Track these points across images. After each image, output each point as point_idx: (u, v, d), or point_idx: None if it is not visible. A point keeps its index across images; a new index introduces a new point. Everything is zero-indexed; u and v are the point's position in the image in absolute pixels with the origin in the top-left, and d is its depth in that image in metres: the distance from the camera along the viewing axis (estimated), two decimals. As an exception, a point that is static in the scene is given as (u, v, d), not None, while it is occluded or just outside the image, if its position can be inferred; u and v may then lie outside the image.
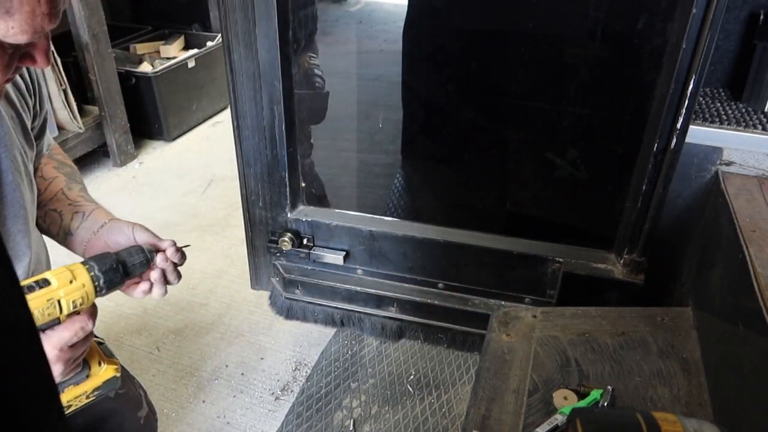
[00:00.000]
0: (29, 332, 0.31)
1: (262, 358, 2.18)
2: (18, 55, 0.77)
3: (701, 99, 1.71)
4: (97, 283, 0.92)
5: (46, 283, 0.87)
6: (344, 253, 1.86)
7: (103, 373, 1.00)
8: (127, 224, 1.08)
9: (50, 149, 1.19)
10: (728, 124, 1.55)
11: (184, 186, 3.27)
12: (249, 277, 2.14)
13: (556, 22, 1.70)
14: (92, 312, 0.92)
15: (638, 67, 1.62)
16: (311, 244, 1.89)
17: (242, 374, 2.12)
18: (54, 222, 1.11)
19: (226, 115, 4.01)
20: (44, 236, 1.14)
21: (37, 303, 0.85)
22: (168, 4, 4.12)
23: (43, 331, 0.86)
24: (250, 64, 1.64)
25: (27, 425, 0.30)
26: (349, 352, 2.06)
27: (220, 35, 3.85)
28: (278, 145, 1.74)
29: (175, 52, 3.78)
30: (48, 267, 1.13)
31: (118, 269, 0.95)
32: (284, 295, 2.00)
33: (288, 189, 1.81)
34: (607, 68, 1.74)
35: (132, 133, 3.46)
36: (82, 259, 0.95)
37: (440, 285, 1.86)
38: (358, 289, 1.91)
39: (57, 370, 0.89)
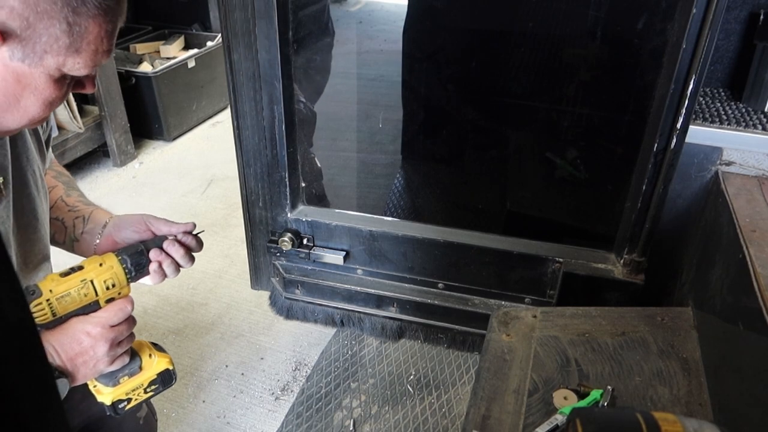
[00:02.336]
0: (29, 332, 0.31)
1: (262, 358, 2.18)
2: (72, 83, 0.84)
3: (701, 99, 1.71)
4: (125, 266, 1.00)
5: (79, 268, 0.96)
6: (344, 253, 1.86)
7: (156, 365, 1.07)
8: (134, 217, 1.11)
9: (51, 160, 1.19)
10: (728, 124, 1.55)
11: (184, 186, 3.27)
12: (249, 277, 2.14)
13: (556, 22, 1.70)
14: (130, 299, 1.00)
15: (638, 67, 1.62)
16: (311, 244, 1.89)
17: (242, 374, 2.12)
18: (58, 230, 1.13)
19: (226, 115, 4.02)
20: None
21: (72, 283, 0.94)
22: (168, 4, 4.12)
23: (86, 313, 0.96)
24: (250, 64, 1.64)
25: (27, 424, 0.30)
26: (349, 352, 2.06)
27: (220, 35, 3.85)
28: (278, 145, 1.74)
29: (175, 52, 3.78)
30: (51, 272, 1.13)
31: (143, 253, 1.04)
32: (284, 295, 2.00)
33: (288, 189, 1.81)
34: (607, 68, 1.74)
35: (132, 133, 3.46)
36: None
37: (440, 285, 1.86)
38: (358, 289, 1.91)
39: (102, 349, 0.95)
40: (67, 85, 0.83)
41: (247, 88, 1.68)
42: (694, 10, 1.31)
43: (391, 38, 2.05)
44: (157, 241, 1.07)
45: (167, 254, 1.07)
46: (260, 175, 1.81)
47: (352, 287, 1.91)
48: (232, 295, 2.47)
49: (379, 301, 1.92)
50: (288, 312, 2.06)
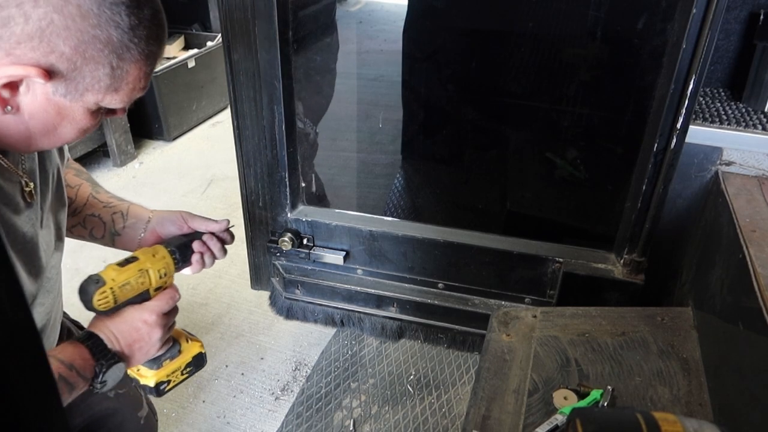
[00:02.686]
0: (29, 332, 0.31)
1: (262, 358, 2.18)
2: (105, 110, 0.88)
3: (701, 99, 1.71)
4: (174, 256, 1.11)
5: (134, 258, 1.05)
6: (344, 253, 1.86)
7: (191, 348, 1.15)
8: (174, 214, 1.22)
9: (67, 158, 1.21)
10: (728, 124, 1.55)
11: (184, 186, 3.27)
12: (249, 277, 2.14)
13: (556, 23, 1.70)
14: (176, 287, 1.09)
15: (638, 67, 1.62)
16: (311, 244, 1.89)
17: (242, 374, 2.12)
18: (96, 226, 1.20)
19: (226, 115, 4.02)
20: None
21: (130, 273, 1.03)
22: (168, 4, 4.10)
23: (139, 301, 1.04)
24: (250, 64, 1.64)
25: (27, 424, 0.30)
26: (349, 352, 2.06)
27: (220, 35, 3.85)
28: (278, 145, 1.74)
29: (175, 52, 3.78)
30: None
31: (188, 245, 1.16)
32: (284, 295, 2.00)
33: (288, 189, 1.81)
34: (607, 68, 1.74)
35: (132, 133, 3.46)
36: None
37: (440, 285, 1.86)
38: (358, 289, 1.90)
39: (156, 336, 1.04)
40: (101, 114, 0.87)
41: (247, 88, 1.68)
42: (694, 10, 1.31)
43: (391, 38, 2.05)
44: (197, 235, 1.19)
45: (207, 247, 1.19)
46: (260, 175, 1.81)
47: (352, 287, 1.91)
48: (232, 295, 2.47)
49: (379, 301, 1.92)
50: (288, 312, 2.06)
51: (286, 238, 1.81)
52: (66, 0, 0.72)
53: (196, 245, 1.18)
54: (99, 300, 0.99)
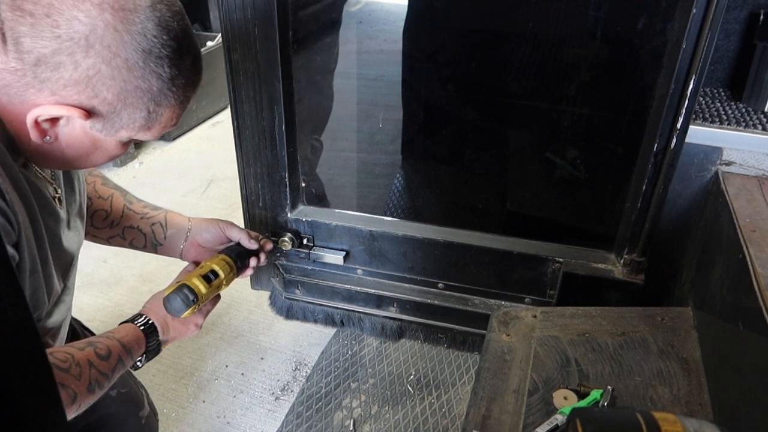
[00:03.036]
0: (29, 332, 0.31)
1: (262, 358, 2.18)
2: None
3: (701, 99, 1.71)
4: (237, 267, 1.25)
5: (215, 275, 1.18)
6: (344, 253, 1.86)
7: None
8: (212, 223, 1.32)
9: None
10: (728, 124, 1.55)
11: (184, 186, 3.28)
12: (249, 277, 2.14)
13: (556, 22, 1.70)
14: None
15: (638, 67, 1.62)
16: (311, 244, 1.89)
17: (242, 374, 2.12)
18: (137, 237, 1.27)
19: (226, 115, 4.02)
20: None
21: (213, 290, 1.18)
22: (168, 4, 4.12)
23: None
24: (249, 65, 1.64)
25: (27, 424, 0.30)
26: (349, 352, 2.06)
27: (219, 35, 3.85)
28: (278, 145, 1.74)
29: (175, 52, 3.78)
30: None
31: (246, 257, 1.29)
32: (284, 295, 2.00)
33: (288, 189, 1.81)
34: (607, 68, 1.74)
35: (132, 133, 3.45)
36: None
37: (440, 285, 1.86)
38: (358, 289, 1.90)
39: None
40: (130, 143, 0.93)
41: (246, 88, 1.68)
42: (694, 10, 1.31)
43: (391, 38, 2.05)
44: (248, 249, 1.31)
45: (258, 260, 1.32)
46: (260, 175, 1.81)
47: (352, 287, 1.91)
48: (232, 295, 2.47)
49: (379, 301, 1.92)
50: (288, 312, 2.06)
51: (286, 238, 1.81)
52: (114, 53, 0.77)
53: (252, 261, 1.31)
54: (187, 314, 1.13)
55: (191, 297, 1.12)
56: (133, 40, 0.77)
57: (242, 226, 1.99)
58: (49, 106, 0.78)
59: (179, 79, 0.85)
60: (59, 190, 0.97)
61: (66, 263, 1.00)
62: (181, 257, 1.32)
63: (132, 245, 1.27)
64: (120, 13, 0.76)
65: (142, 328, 1.09)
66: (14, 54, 0.74)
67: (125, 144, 0.90)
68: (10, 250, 0.79)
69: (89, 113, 0.80)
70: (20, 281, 0.84)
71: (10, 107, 0.79)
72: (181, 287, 1.12)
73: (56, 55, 0.74)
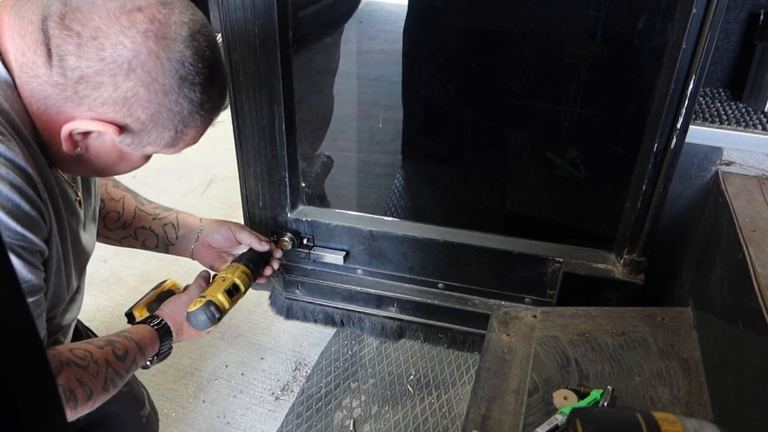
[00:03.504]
0: (29, 332, 0.31)
1: (262, 358, 2.18)
2: None
3: (701, 99, 1.71)
4: (254, 275, 1.32)
5: (237, 289, 1.26)
6: (344, 253, 1.86)
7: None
8: (223, 226, 1.36)
9: None
10: (728, 124, 1.55)
11: (184, 186, 3.28)
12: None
13: (556, 22, 1.70)
14: None
15: (638, 67, 1.62)
16: (311, 244, 1.89)
17: (242, 374, 2.12)
18: (149, 238, 1.31)
19: (226, 115, 4.00)
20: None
21: (234, 303, 1.25)
22: (168, 4, 4.12)
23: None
24: (250, 64, 1.64)
25: (27, 425, 0.30)
26: (349, 352, 2.06)
27: (219, 35, 3.85)
28: (278, 145, 1.74)
29: (175, 52, 3.77)
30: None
31: (261, 264, 1.35)
32: (284, 294, 2.00)
33: (288, 189, 1.81)
34: (607, 68, 1.74)
35: (132, 133, 3.45)
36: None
37: (440, 285, 1.86)
38: (358, 289, 1.90)
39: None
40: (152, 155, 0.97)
41: (246, 88, 1.68)
42: (694, 10, 1.31)
43: (392, 38, 2.05)
44: (266, 256, 1.37)
45: (272, 268, 1.39)
46: (260, 175, 1.81)
47: (352, 287, 1.91)
48: (232, 295, 2.47)
49: (379, 301, 1.92)
50: (288, 312, 2.06)
51: (286, 238, 1.81)
52: (153, 78, 0.80)
53: (267, 270, 1.37)
54: (211, 328, 1.19)
55: (217, 315, 1.17)
56: (172, 67, 0.81)
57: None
58: (85, 121, 0.81)
59: (208, 103, 0.89)
60: (79, 193, 1.01)
61: (82, 263, 1.04)
62: (192, 257, 1.37)
63: (144, 245, 1.31)
64: (162, 41, 0.80)
65: (157, 329, 1.13)
66: (58, 69, 0.77)
67: (148, 157, 0.94)
68: (41, 244, 0.81)
69: (121, 129, 0.83)
70: (47, 277, 0.87)
71: (45, 116, 0.82)
72: (208, 304, 1.17)
73: (98, 76, 0.78)
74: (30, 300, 0.81)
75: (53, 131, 0.83)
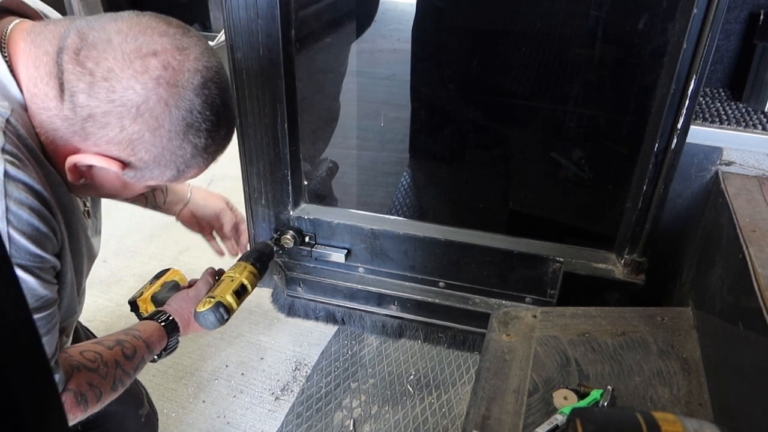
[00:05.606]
0: (29, 332, 0.31)
1: (262, 358, 2.19)
2: None
3: (701, 99, 1.71)
4: (261, 274, 1.36)
5: (245, 289, 1.28)
6: (346, 251, 1.86)
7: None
8: (210, 201, 1.46)
9: None
10: (728, 124, 1.55)
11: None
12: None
13: (563, 23, 1.70)
14: None
15: (639, 67, 1.62)
16: (313, 242, 1.89)
17: (242, 374, 2.12)
18: (138, 199, 1.35)
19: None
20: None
21: (240, 304, 1.25)
22: (168, 4, 4.13)
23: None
24: (253, 63, 1.64)
25: (27, 424, 0.31)
26: (349, 352, 2.06)
27: (219, 35, 3.85)
28: (281, 143, 1.74)
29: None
30: None
31: (264, 260, 1.38)
32: (286, 292, 2.00)
33: (290, 187, 1.81)
34: (608, 68, 1.74)
35: (133, 133, 3.45)
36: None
37: (441, 284, 1.86)
38: (360, 287, 1.91)
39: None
40: None
41: (249, 86, 1.68)
42: (695, 10, 1.31)
43: (404, 37, 2.06)
44: (271, 254, 1.43)
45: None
46: (263, 172, 1.82)
47: (354, 285, 1.91)
48: (232, 294, 2.47)
49: (380, 300, 1.92)
50: (289, 309, 2.06)
51: (288, 236, 1.82)
52: (160, 124, 0.82)
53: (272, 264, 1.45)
54: (219, 327, 1.21)
55: (226, 316, 1.19)
56: (180, 114, 0.82)
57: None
58: (89, 155, 0.83)
59: (212, 147, 0.90)
60: (87, 204, 1.05)
61: (88, 269, 1.08)
62: (177, 219, 1.47)
63: (131, 202, 1.33)
64: (173, 89, 0.81)
65: (164, 325, 1.15)
66: (69, 105, 0.80)
67: (150, 185, 0.96)
68: (54, 260, 0.84)
69: (125, 165, 0.85)
70: (60, 289, 0.90)
71: (53, 146, 0.84)
72: (218, 306, 1.19)
73: (106, 116, 0.80)
74: (45, 313, 0.84)
75: (59, 159, 0.86)
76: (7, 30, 0.84)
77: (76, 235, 0.94)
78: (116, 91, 0.78)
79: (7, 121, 0.79)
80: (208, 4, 4.04)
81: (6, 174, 0.76)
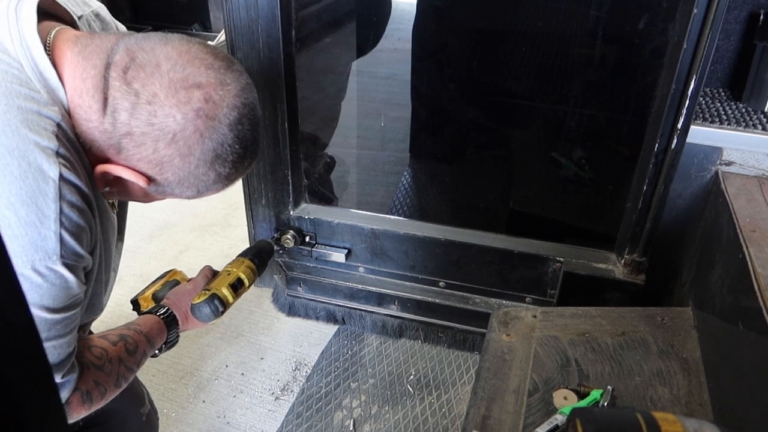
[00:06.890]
0: (29, 332, 0.31)
1: (262, 358, 2.18)
2: None
3: (701, 99, 1.71)
4: (259, 270, 1.33)
5: (241, 283, 1.28)
6: (346, 251, 1.86)
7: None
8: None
9: None
10: (728, 124, 1.55)
11: (185, 185, 3.27)
12: (250, 276, 2.13)
13: (564, 23, 1.70)
14: None
15: (639, 67, 1.62)
16: (314, 242, 1.89)
17: (242, 374, 2.12)
18: None
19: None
20: None
21: (236, 298, 1.26)
22: (168, 4, 4.12)
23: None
24: (253, 63, 1.64)
25: (27, 424, 0.31)
26: (349, 352, 2.06)
27: (219, 35, 3.85)
28: (281, 143, 1.74)
29: (176, 51, 3.77)
30: None
31: (263, 256, 1.36)
32: (287, 292, 2.00)
33: (291, 187, 1.81)
34: (608, 68, 1.74)
35: (133, 133, 3.45)
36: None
37: (441, 284, 1.86)
38: (360, 286, 1.91)
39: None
40: None
41: (248, 87, 1.68)
42: (695, 11, 1.31)
43: (405, 37, 2.06)
44: (270, 252, 1.39)
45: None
46: (263, 172, 1.82)
47: (354, 285, 1.91)
48: (232, 294, 2.47)
49: (381, 299, 1.92)
50: (290, 309, 2.06)
51: (288, 236, 1.82)
52: (191, 152, 0.85)
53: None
54: (214, 320, 1.21)
55: (221, 308, 1.20)
56: (211, 146, 0.86)
57: (242, 225, 1.99)
58: (120, 167, 0.87)
59: (234, 175, 0.94)
60: (116, 207, 1.08)
61: (116, 267, 1.11)
62: None
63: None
64: (210, 122, 0.84)
65: (163, 318, 1.16)
66: (110, 119, 0.83)
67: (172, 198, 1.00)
68: (88, 257, 0.87)
69: (150, 180, 0.89)
70: (87, 286, 0.92)
71: (87, 154, 0.88)
72: (212, 298, 1.20)
73: (143, 137, 0.83)
74: (72, 312, 0.86)
75: (91, 165, 0.89)
76: (50, 36, 0.86)
77: (107, 233, 0.97)
78: (157, 116, 0.82)
79: (59, 125, 0.82)
80: (209, 4, 4.04)
81: (61, 177, 0.79)
